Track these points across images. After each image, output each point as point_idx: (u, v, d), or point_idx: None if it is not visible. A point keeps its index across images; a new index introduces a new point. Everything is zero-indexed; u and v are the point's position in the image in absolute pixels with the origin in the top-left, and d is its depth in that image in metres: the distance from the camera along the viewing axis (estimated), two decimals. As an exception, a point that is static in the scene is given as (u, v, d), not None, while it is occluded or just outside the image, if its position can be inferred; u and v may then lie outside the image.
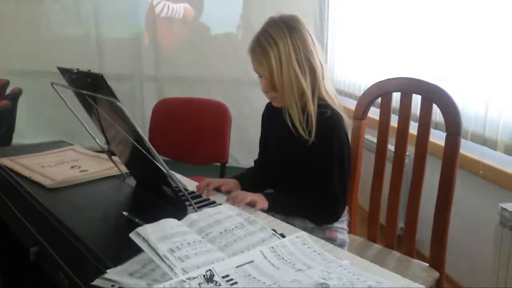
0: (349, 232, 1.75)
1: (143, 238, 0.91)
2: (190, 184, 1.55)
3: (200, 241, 0.93)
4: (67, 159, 1.66)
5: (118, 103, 0.98)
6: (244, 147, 3.93)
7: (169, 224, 0.97)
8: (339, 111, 1.48)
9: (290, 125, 1.45)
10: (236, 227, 0.99)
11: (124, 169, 1.48)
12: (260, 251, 0.89)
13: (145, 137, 1.05)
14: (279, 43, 1.40)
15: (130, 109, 4.59)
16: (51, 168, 1.54)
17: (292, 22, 1.45)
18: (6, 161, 1.59)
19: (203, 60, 4.26)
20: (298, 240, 0.95)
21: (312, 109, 1.44)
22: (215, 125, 2.50)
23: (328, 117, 1.44)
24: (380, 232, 1.79)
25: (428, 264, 1.62)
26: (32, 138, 4.53)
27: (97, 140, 1.41)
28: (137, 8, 4.45)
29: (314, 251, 0.93)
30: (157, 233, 0.92)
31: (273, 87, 1.45)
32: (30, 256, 1.29)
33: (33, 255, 1.29)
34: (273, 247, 0.91)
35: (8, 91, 3.35)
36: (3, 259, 1.80)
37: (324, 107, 1.46)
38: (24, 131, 4.31)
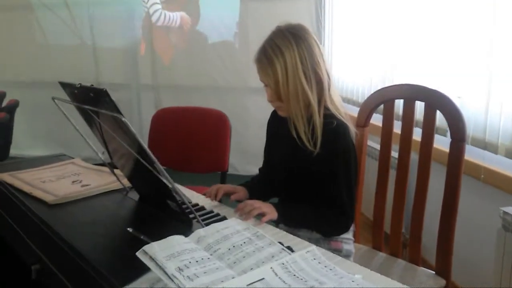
0: (354, 241, 1.75)
1: (150, 257, 0.89)
2: (193, 196, 1.54)
3: (208, 258, 0.92)
4: (68, 173, 1.64)
5: (123, 119, 0.97)
6: (242, 155, 3.93)
7: (176, 241, 0.95)
8: (345, 121, 1.46)
9: (295, 136, 1.44)
10: (244, 242, 0.98)
11: (126, 183, 1.46)
12: (271, 268, 0.88)
13: (150, 152, 1.03)
14: (286, 54, 1.39)
15: (128, 119, 4.56)
16: (52, 183, 1.52)
17: (299, 32, 1.43)
18: (6, 177, 1.57)
19: (200, 69, 4.25)
20: (309, 255, 0.93)
21: (318, 120, 1.42)
22: (215, 134, 2.49)
23: (334, 128, 1.43)
24: (384, 240, 1.77)
25: (434, 272, 1.60)
26: (28, 149, 4.52)
27: (100, 154, 1.39)
28: (133, 17, 4.44)
29: (326, 266, 0.91)
30: (164, 251, 0.91)
31: (278, 98, 1.44)
32: (32, 274, 1.27)
33: (34, 273, 1.27)
34: (283, 263, 0.89)
35: (4, 103, 3.32)
36: (4, 277, 1.78)
37: (329, 117, 1.44)
38: (20, 143, 4.29)
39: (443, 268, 1.58)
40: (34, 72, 4.71)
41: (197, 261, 0.90)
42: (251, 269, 0.90)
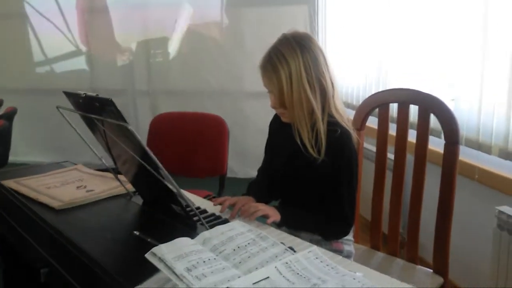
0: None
1: (159, 258, 0.93)
2: (195, 200, 1.57)
3: (215, 258, 0.95)
4: (72, 179, 1.67)
5: (130, 127, 1.00)
6: (240, 158, 3.96)
7: (183, 243, 0.99)
8: (348, 128, 1.48)
9: (299, 143, 1.46)
10: (248, 243, 1.01)
11: (130, 188, 1.49)
12: (275, 267, 0.91)
13: (155, 158, 1.07)
14: (291, 62, 1.40)
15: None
16: (57, 189, 1.55)
17: (305, 41, 1.44)
18: (12, 183, 1.59)
19: (195, 73, 4.28)
20: (311, 255, 0.97)
21: (322, 128, 1.44)
22: (214, 138, 2.52)
23: (338, 136, 1.44)
24: (382, 240, 1.81)
25: (432, 270, 1.64)
26: (27, 155, 4.53)
27: (103, 160, 1.42)
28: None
29: (328, 265, 0.95)
30: (172, 253, 0.94)
31: (282, 105, 1.46)
32: (41, 277, 1.30)
33: (43, 276, 1.30)
34: (287, 263, 0.93)
35: (2, 110, 3.34)
36: (14, 280, 1.80)
37: (333, 124, 1.46)
38: (18, 149, 4.31)
39: (440, 266, 1.62)
40: (30, 79, 4.73)
41: (204, 262, 0.93)
42: (256, 268, 0.93)
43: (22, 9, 4.57)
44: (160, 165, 1.08)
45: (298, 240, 1.28)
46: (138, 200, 1.47)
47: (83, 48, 4.62)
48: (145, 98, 4.52)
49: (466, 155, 2.16)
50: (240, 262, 0.95)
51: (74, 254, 1.13)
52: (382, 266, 1.69)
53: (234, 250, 0.99)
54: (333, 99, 1.48)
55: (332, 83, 1.47)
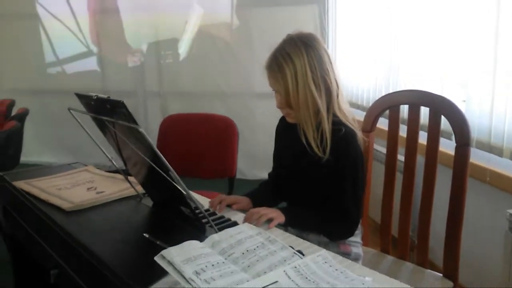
0: (362, 245, 1.77)
1: (168, 261, 0.93)
2: (205, 202, 1.57)
3: (223, 262, 0.95)
4: (82, 180, 1.68)
5: (141, 129, 1.01)
6: (249, 159, 3.96)
7: (192, 246, 0.99)
8: (353, 128, 1.49)
9: (305, 143, 1.47)
10: (257, 247, 1.01)
11: (140, 189, 1.50)
12: (284, 271, 0.91)
13: (165, 160, 1.07)
14: (296, 61, 1.41)
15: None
16: (68, 190, 1.56)
17: (310, 40, 1.46)
18: (23, 185, 1.61)
19: (205, 75, 4.29)
20: (320, 259, 0.97)
21: (327, 127, 1.45)
22: (223, 140, 2.52)
23: (343, 135, 1.45)
24: (392, 242, 1.80)
25: (441, 275, 1.63)
26: (38, 156, 4.58)
27: (114, 162, 1.43)
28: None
29: (337, 269, 0.94)
30: (181, 256, 0.94)
31: (288, 104, 1.47)
32: (51, 278, 1.31)
33: (53, 277, 1.31)
34: (296, 267, 0.93)
35: (14, 111, 3.37)
36: (24, 281, 1.82)
37: (338, 123, 1.47)
38: (30, 150, 4.35)
39: (450, 270, 1.61)
40: (41, 80, 4.78)
41: (213, 265, 0.93)
42: (265, 272, 0.93)
43: (34, 10, 4.62)
44: (170, 167, 1.08)
45: (306, 243, 1.28)
46: (148, 202, 1.48)
47: (95, 49, 4.66)
48: (156, 99, 4.55)
49: (477, 157, 2.15)
50: (248, 266, 0.95)
51: (83, 256, 1.14)
52: (391, 270, 1.68)
53: (243, 253, 0.99)
54: (338, 99, 1.49)
55: (336, 83, 1.48)
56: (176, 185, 1.12)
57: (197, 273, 0.90)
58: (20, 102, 3.69)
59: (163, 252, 0.96)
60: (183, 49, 4.42)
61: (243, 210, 1.53)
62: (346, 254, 1.55)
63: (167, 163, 1.08)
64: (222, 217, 1.45)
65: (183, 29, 4.35)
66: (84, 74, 4.74)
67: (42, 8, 4.62)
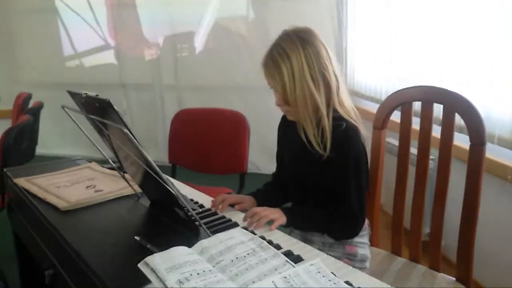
0: (372, 245, 1.71)
1: (152, 269, 0.89)
2: (206, 201, 1.53)
3: (210, 270, 0.90)
4: (83, 178, 1.65)
5: (125, 130, 0.96)
6: (264, 154, 3.91)
7: (178, 252, 0.94)
8: (355, 124, 1.43)
9: (305, 140, 1.42)
10: (248, 254, 0.96)
11: (138, 188, 1.46)
12: (272, 281, 0.86)
13: (152, 161, 1.03)
14: (292, 56, 1.37)
15: (152, 119, 4.64)
16: (67, 188, 1.53)
17: (306, 35, 1.40)
18: (23, 182, 1.59)
19: (221, 68, 4.25)
20: (313, 268, 0.91)
21: (327, 123, 1.40)
22: (234, 135, 2.49)
23: (343, 130, 1.40)
24: (405, 239, 1.72)
25: (454, 279, 1.55)
26: (56, 148, 4.62)
27: (111, 161, 1.40)
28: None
29: (330, 280, 0.89)
30: (166, 263, 0.90)
31: (286, 102, 1.42)
32: (45, 279, 1.28)
33: (48, 278, 1.28)
34: (285, 277, 0.87)
35: (30, 104, 3.39)
36: (27, 279, 1.82)
37: (338, 119, 1.42)
38: (48, 142, 4.39)
39: (463, 274, 1.53)
40: (60, 73, 4.81)
41: (198, 274, 0.88)
42: (253, 282, 0.88)
43: (53, 4, 4.64)
44: (157, 168, 1.04)
45: (307, 247, 1.21)
46: (146, 201, 1.44)
47: (112, 42, 4.66)
48: (173, 93, 4.54)
49: (499, 154, 2.09)
50: (237, 275, 0.90)
51: (73, 258, 1.10)
52: (401, 273, 1.61)
53: (232, 260, 0.94)
54: (338, 94, 1.43)
55: (336, 77, 1.42)
56: (166, 185, 1.07)
57: (180, 282, 0.86)
58: (39, 95, 3.71)
59: (147, 259, 0.92)
60: (199, 42, 4.39)
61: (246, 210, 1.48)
62: (352, 255, 1.50)
63: (154, 164, 1.03)
64: (223, 217, 1.40)
65: (199, 22, 4.30)
66: (102, 68, 4.76)
67: (60, 2, 4.65)
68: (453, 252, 1.59)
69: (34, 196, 1.48)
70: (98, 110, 1.12)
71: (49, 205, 1.41)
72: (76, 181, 1.61)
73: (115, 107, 0.99)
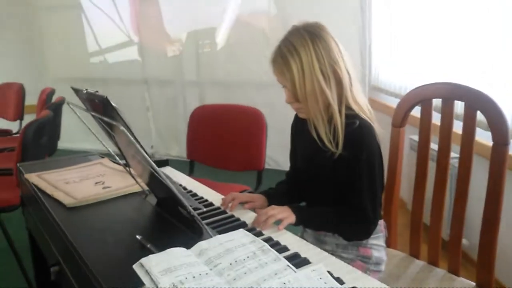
0: (389, 247, 1.64)
1: (146, 271, 0.86)
2: (216, 200, 1.50)
3: (206, 273, 0.87)
4: (93, 174, 1.64)
5: (121, 127, 0.93)
6: (284, 150, 3.83)
7: (176, 254, 0.91)
8: (369, 121, 1.37)
9: (316, 138, 1.37)
10: (248, 257, 0.92)
11: (145, 186, 1.44)
12: None
13: (151, 159, 0.99)
14: (301, 51, 1.31)
15: (175, 114, 4.64)
16: (76, 184, 1.52)
17: (315, 29, 1.35)
18: (33, 177, 1.59)
19: (242, 64, 4.21)
20: (315, 274, 0.86)
21: (339, 121, 1.34)
22: (251, 132, 2.45)
23: (357, 128, 1.34)
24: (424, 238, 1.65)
25: (474, 283, 1.48)
26: (79, 142, 4.67)
27: (118, 158, 1.38)
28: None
29: (331, 287, 0.84)
30: (161, 265, 0.87)
31: (296, 99, 1.37)
32: (51, 275, 1.27)
33: (53, 274, 1.27)
34: (285, 283, 0.83)
35: (54, 99, 3.42)
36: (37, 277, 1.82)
37: (352, 117, 1.36)
38: (71, 136, 4.44)
39: (484, 280, 1.45)
40: (85, 69, 4.86)
41: (194, 277, 0.85)
42: (251, 287, 0.84)
43: (78, 0, 4.69)
44: (156, 167, 1.00)
45: (317, 250, 1.16)
46: (153, 199, 1.42)
47: (135, 38, 4.68)
48: (195, 89, 4.53)
49: None
50: (234, 279, 0.86)
51: (74, 256, 1.09)
52: (417, 277, 1.54)
53: (230, 264, 0.90)
54: (351, 90, 1.37)
55: (348, 73, 1.36)
56: (166, 183, 1.04)
57: (174, 285, 0.82)
58: (64, 91, 3.74)
59: (143, 260, 0.89)
60: (220, 38, 4.36)
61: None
62: (366, 258, 1.45)
63: (152, 163, 1.00)
64: (232, 216, 1.37)
65: (221, 18, 4.27)
66: (126, 64, 4.79)
67: (85, -1, 4.70)
68: (475, 250, 1.51)
69: (43, 192, 1.47)
70: (101, 108, 1.10)
71: (56, 201, 1.40)
72: (86, 177, 1.60)
73: (113, 104, 0.96)
